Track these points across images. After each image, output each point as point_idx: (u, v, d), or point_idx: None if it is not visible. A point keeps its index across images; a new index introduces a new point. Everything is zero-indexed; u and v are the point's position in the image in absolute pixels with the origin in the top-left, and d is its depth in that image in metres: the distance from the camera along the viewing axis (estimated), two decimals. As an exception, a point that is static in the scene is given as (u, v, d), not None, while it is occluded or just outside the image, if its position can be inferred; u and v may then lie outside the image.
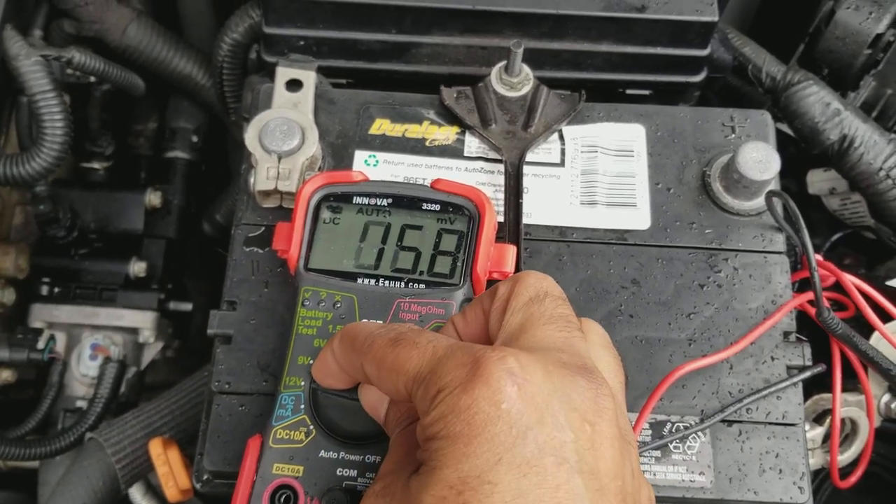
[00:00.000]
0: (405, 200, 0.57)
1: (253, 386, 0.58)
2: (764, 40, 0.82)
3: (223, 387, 0.58)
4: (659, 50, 0.72)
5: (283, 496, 0.49)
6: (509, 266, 0.56)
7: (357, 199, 0.57)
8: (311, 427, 0.51)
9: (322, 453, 0.50)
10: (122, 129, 1.03)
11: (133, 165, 1.03)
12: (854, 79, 0.79)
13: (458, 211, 0.56)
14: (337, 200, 0.57)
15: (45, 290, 0.89)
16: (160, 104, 1.03)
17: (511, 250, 0.56)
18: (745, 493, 0.56)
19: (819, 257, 0.61)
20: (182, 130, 1.00)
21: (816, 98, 0.74)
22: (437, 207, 0.56)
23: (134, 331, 0.90)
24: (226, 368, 0.59)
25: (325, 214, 0.57)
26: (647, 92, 0.74)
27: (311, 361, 0.52)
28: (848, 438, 0.68)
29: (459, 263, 0.55)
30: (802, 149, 0.81)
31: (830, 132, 0.74)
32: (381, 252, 0.55)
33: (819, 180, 0.91)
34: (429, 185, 0.57)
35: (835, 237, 0.89)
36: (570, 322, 0.43)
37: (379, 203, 0.57)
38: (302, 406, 0.51)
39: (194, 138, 1.00)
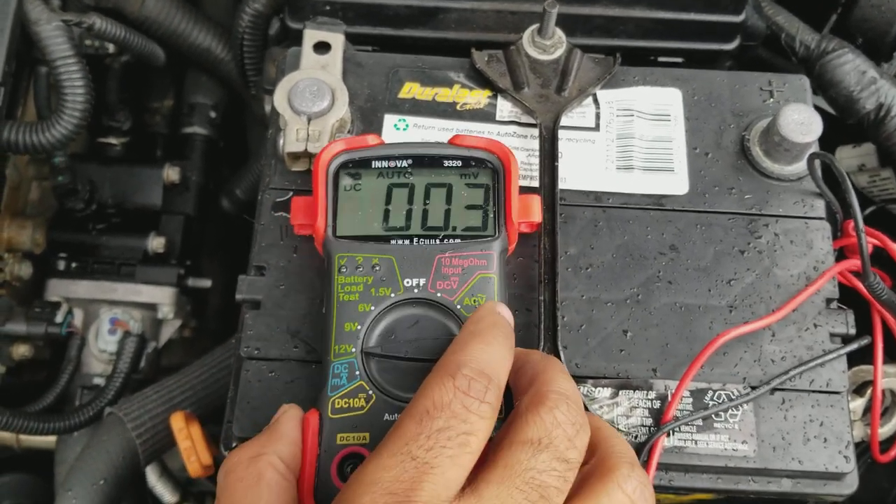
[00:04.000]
0: (426, 160, 0.55)
1: (283, 352, 0.56)
2: (793, 10, 0.80)
3: (252, 352, 0.57)
4: (693, 16, 0.70)
5: (351, 465, 0.47)
6: (536, 216, 0.56)
7: (376, 164, 0.55)
8: (371, 392, 0.49)
9: (386, 416, 0.48)
10: (137, 107, 1.02)
11: (149, 143, 1.02)
12: (888, 48, 0.77)
13: (481, 164, 0.55)
14: (356, 166, 0.55)
15: (61, 265, 0.88)
16: (177, 81, 1.02)
17: (536, 200, 0.56)
18: (790, 463, 0.55)
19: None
20: (200, 106, 0.98)
21: (852, 66, 0.73)
22: (459, 163, 0.55)
23: (152, 307, 0.89)
24: (255, 334, 0.57)
25: (346, 182, 0.55)
26: (679, 60, 0.73)
27: (359, 327, 0.50)
28: (888, 411, 0.66)
29: (492, 215, 0.54)
30: (831, 124, 0.80)
31: (866, 101, 0.72)
32: (409, 212, 0.54)
33: (848, 157, 0.89)
34: (447, 141, 0.56)
35: (865, 212, 0.87)
36: (543, 499, 0.39)
37: (399, 165, 0.55)
38: (357, 372, 0.49)
39: (213, 114, 0.99)
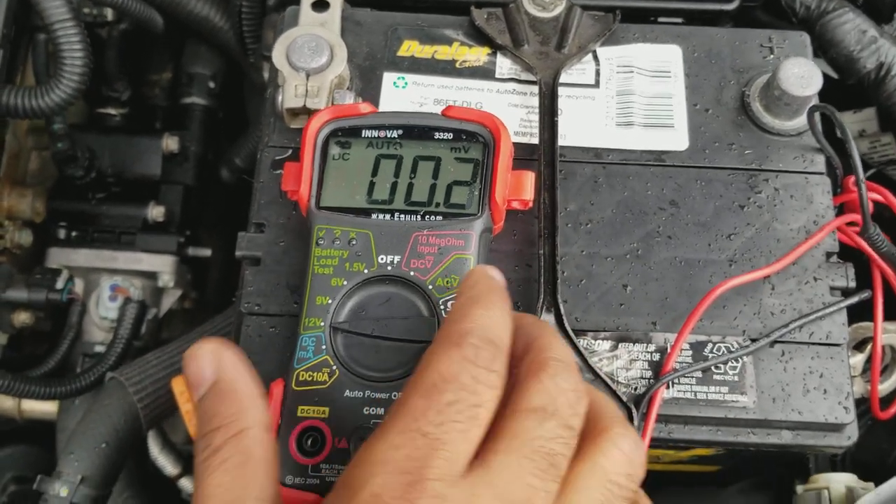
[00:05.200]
0: (416, 130, 0.55)
1: (283, 307, 0.57)
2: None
3: (253, 308, 0.57)
4: (693, -25, 0.70)
5: (310, 438, 0.48)
6: (528, 193, 0.55)
7: (366, 133, 0.55)
8: (334, 367, 0.49)
9: (347, 393, 0.49)
10: (136, 80, 1.02)
11: (148, 115, 1.02)
12: (889, 9, 0.77)
13: (472, 138, 0.54)
14: (345, 135, 0.55)
15: (62, 233, 0.88)
16: (175, 53, 1.02)
17: (530, 176, 0.55)
18: (790, 414, 0.55)
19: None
20: (199, 76, 0.98)
21: (852, 25, 0.72)
22: (450, 136, 0.54)
23: (153, 275, 0.89)
24: (255, 290, 0.57)
25: (334, 150, 0.55)
26: (678, 20, 0.72)
27: (330, 301, 0.50)
28: (888, 368, 0.66)
29: (476, 192, 0.53)
30: (832, 90, 0.79)
31: (867, 60, 0.72)
32: (394, 185, 0.54)
33: (848, 122, 0.89)
34: (440, 112, 0.55)
35: (865, 174, 0.87)
36: (553, 467, 0.38)
37: (389, 135, 0.55)
38: (323, 347, 0.50)
39: (211, 84, 0.98)
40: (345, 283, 0.51)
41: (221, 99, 1.01)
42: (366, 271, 0.51)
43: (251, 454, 0.39)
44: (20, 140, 0.87)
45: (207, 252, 0.93)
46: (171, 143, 0.92)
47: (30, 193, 0.85)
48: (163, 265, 0.88)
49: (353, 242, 0.52)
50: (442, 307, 0.50)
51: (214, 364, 0.41)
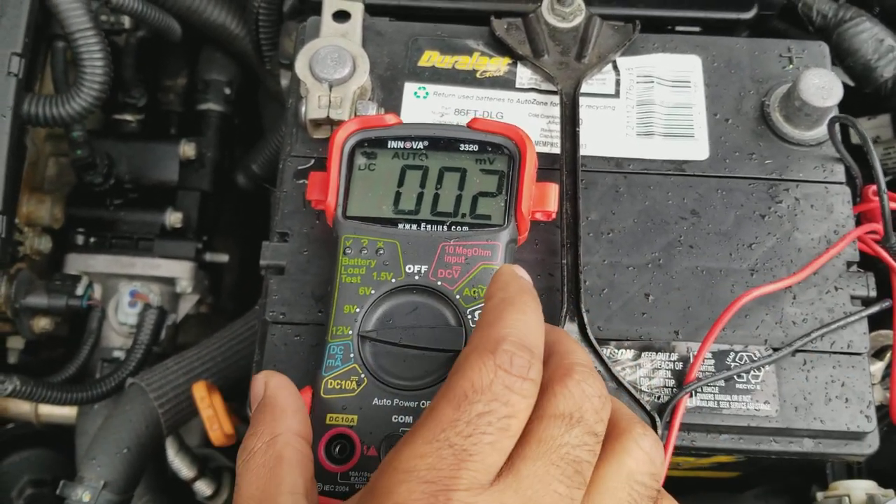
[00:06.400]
0: (442, 142, 0.55)
1: (308, 316, 0.57)
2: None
3: (277, 317, 0.57)
4: (710, -16, 0.70)
5: (339, 446, 0.49)
6: (552, 205, 0.55)
7: (392, 144, 0.55)
8: (363, 375, 0.50)
9: (375, 401, 0.49)
10: (151, 85, 1.02)
11: (163, 121, 1.02)
12: (905, 17, 0.77)
13: (498, 150, 0.54)
14: (371, 146, 0.55)
15: (80, 239, 0.89)
16: (190, 58, 1.02)
17: (554, 188, 0.56)
18: (812, 422, 0.55)
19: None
20: (215, 83, 0.99)
21: (870, 34, 0.73)
22: (476, 148, 0.55)
23: (171, 281, 0.89)
24: (279, 299, 0.57)
25: (360, 161, 0.55)
26: (696, 29, 0.73)
27: (358, 310, 0.51)
28: (907, 375, 0.66)
29: (502, 204, 0.53)
30: (847, 98, 0.80)
31: (884, 69, 0.73)
32: (420, 196, 0.54)
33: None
34: (465, 124, 0.56)
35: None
36: (578, 474, 0.38)
37: (415, 146, 0.55)
38: (351, 355, 0.50)
39: (227, 91, 0.99)
40: (372, 291, 0.51)
41: (237, 106, 1.01)
42: (393, 280, 0.52)
43: (282, 456, 0.42)
44: (38, 146, 0.88)
45: (225, 258, 0.94)
46: (188, 149, 0.93)
47: (48, 200, 0.86)
48: (181, 271, 0.89)
49: (381, 252, 0.52)
50: (469, 317, 0.51)
51: (263, 385, 0.46)
